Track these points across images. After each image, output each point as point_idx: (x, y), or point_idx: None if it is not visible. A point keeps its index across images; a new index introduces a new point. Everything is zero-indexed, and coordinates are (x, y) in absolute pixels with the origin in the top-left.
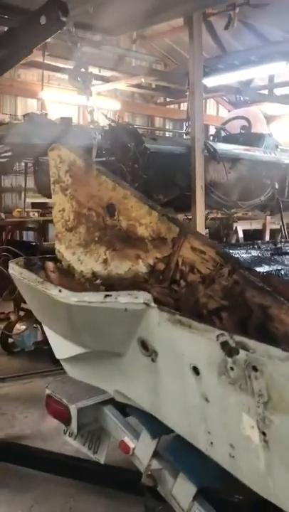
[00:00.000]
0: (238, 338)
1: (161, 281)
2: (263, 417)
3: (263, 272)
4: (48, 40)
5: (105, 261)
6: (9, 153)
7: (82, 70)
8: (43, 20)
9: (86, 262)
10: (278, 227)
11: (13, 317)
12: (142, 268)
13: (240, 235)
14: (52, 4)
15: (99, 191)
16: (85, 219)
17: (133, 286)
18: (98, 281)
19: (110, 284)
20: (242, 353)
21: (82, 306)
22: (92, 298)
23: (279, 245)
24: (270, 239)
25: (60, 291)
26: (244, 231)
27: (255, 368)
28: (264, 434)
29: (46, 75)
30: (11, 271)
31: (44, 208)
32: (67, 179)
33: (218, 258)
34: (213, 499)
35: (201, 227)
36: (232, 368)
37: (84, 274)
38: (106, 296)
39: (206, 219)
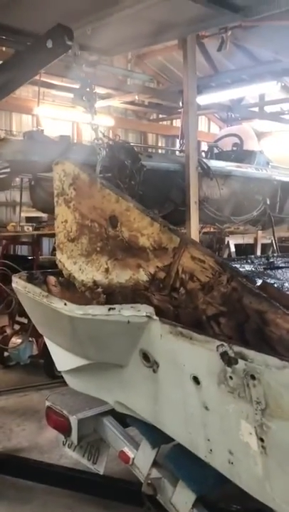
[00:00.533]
0: (237, 348)
1: (162, 289)
2: (261, 423)
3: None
4: None
5: (107, 270)
6: (8, 170)
7: (87, 89)
8: (49, 44)
9: (87, 272)
10: (269, 241)
11: (8, 331)
12: (142, 277)
13: (232, 249)
14: (58, 29)
15: (102, 204)
16: (87, 230)
17: (134, 294)
18: (99, 290)
19: (111, 293)
20: (241, 363)
21: (87, 319)
22: (97, 311)
23: (271, 260)
24: (262, 253)
25: (65, 304)
26: (236, 245)
27: (253, 377)
28: (262, 440)
29: (41, 91)
30: (14, 285)
31: (38, 222)
32: (71, 192)
33: (216, 267)
34: (211, 508)
35: None
36: (231, 377)
37: (85, 283)
38: (110, 309)
39: (199, 233)
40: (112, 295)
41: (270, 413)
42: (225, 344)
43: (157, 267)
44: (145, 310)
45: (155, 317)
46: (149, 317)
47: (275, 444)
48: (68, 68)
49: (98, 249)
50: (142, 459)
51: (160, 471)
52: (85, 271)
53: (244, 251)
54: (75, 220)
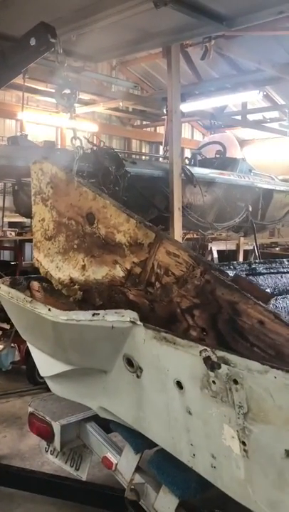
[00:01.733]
0: (220, 353)
1: (138, 284)
2: (243, 427)
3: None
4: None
5: (83, 267)
6: None
7: (67, 90)
8: (32, 42)
9: (64, 269)
10: (251, 247)
11: None
12: (119, 272)
13: (215, 255)
14: (41, 27)
15: (79, 201)
16: (64, 228)
17: (110, 290)
18: (76, 287)
19: (87, 289)
20: (223, 367)
21: (70, 324)
22: (80, 316)
23: (253, 266)
24: (244, 259)
25: (49, 309)
26: (218, 251)
27: (235, 381)
28: (244, 443)
29: (25, 96)
30: None
31: (21, 227)
32: (48, 190)
33: (190, 261)
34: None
35: None
36: (214, 382)
37: (61, 280)
38: (94, 314)
39: (183, 239)
40: (88, 292)
41: (252, 417)
42: (208, 349)
43: (133, 262)
44: (129, 315)
45: (139, 322)
46: (133, 322)
47: (257, 447)
48: (52, 73)
49: (75, 246)
50: (125, 464)
51: (143, 476)
52: (62, 269)
53: (227, 257)
54: (52, 218)
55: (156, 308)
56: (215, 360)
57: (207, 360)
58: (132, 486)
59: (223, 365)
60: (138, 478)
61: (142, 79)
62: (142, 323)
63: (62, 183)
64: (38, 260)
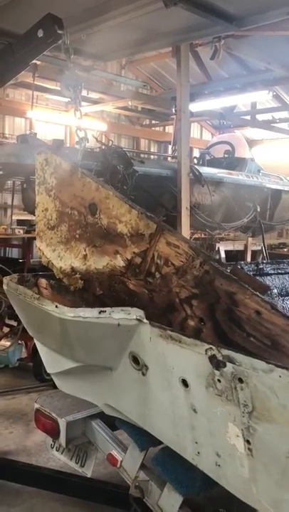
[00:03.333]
0: (226, 351)
1: (138, 274)
2: (248, 426)
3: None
4: (38, 62)
5: (85, 257)
6: (1, 173)
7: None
8: (40, 34)
9: (66, 259)
10: (259, 248)
11: None
12: (119, 262)
13: (222, 255)
14: (48, 19)
15: (82, 192)
16: (67, 218)
17: (110, 280)
18: (77, 276)
19: (88, 279)
20: (229, 366)
21: (77, 321)
22: (87, 313)
23: (261, 266)
24: (252, 260)
25: (56, 306)
26: (226, 251)
27: (240, 380)
28: (248, 442)
29: (35, 95)
30: (5, 287)
31: (29, 225)
32: (52, 181)
33: (190, 251)
34: (198, 510)
35: None
36: (219, 380)
37: (63, 269)
38: (100, 311)
39: (190, 239)
40: (89, 281)
41: (256, 416)
42: (213, 347)
43: (134, 252)
44: (135, 313)
45: (145, 320)
46: (139, 320)
47: (261, 446)
48: (62, 72)
49: (77, 236)
50: (130, 461)
51: (148, 473)
52: (64, 258)
53: (234, 257)
54: (55, 208)
55: (155, 298)
56: (220, 358)
57: (212, 358)
58: (137, 483)
59: (228, 364)
60: (143, 476)
61: (152, 78)
62: (148, 321)
63: (66, 173)
64: (40, 249)
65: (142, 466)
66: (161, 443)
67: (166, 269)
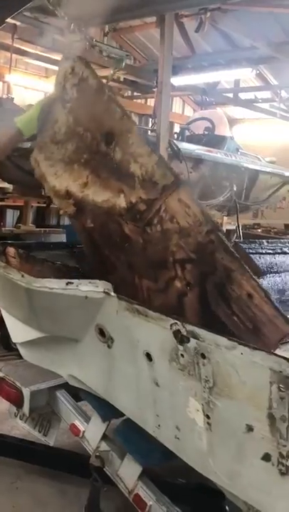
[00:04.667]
0: (190, 327)
1: (137, 220)
2: (208, 401)
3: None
4: (18, 23)
5: (85, 184)
6: None
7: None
8: None
9: (63, 179)
10: (234, 227)
11: None
12: (121, 202)
13: None
14: None
15: (103, 116)
16: (77, 138)
17: (106, 217)
18: (71, 201)
19: (81, 208)
20: (192, 341)
21: (43, 292)
22: (54, 284)
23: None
24: (226, 239)
25: (22, 276)
26: None
27: (203, 356)
28: (208, 417)
29: (14, 58)
30: None
31: (3, 193)
32: (73, 93)
33: (200, 216)
34: (158, 481)
35: None
36: (182, 355)
37: (57, 189)
38: (68, 283)
39: None
40: (82, 210)
41: (217, 391)
42: (178, 323)
43: (140, 197)
44: (103, 286)
45: (113, 293)
46: (106, 293)
47: (220, 421)
48: (42, 34)
49: (82, 161)
50: (92, 432)
51: (109, 444)
52: (61, 177)
53: None
54: (67, 123)
55: (148, 249)
56: (184, 333)
57: (177, 333)
58: (98, 453)
59: (192, 339)
60: (104, 446)
61: (136, 49)
62: (115, 295)
63: (91, 90)
64: (36, 160)
65: (104, 437)
66: (123, 415)
67: (170, 226)
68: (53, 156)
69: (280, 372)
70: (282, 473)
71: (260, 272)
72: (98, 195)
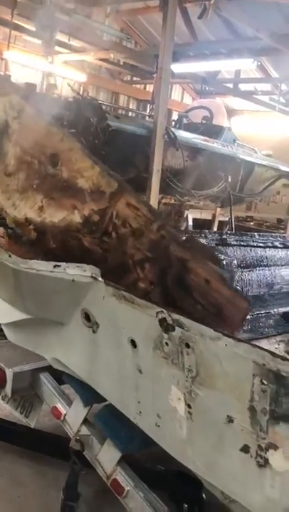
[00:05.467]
0: (176, 316)
1: (94, 232)
2: (190, 390)
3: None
4: None
5: (41, 208)
6: None
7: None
8: None
9: (21, 208)
10: (227, 219)
11: None
12: (76, 218)
13: (190, 222)
14: None
15: (45, 140)
16: (26, 166)
17: (65, 235)
18: (31, 227)
19: (42, 232)
20: (177, 330)
21: (30, 273)
22: (41, 266)
23: (224, 237)
24: (218, 230)
25: (9, 256)
26: (194, 219)
27: (187, 345)
28: (189, 406)
29: (13, 35)
30: None
31: None
32: (15, 125)
33: (149, 215)
34: (136, 467)
35: None
36: (167, 343)
37: (17, 219)
38: (55, 266)
39: (159, 203)
40: (43, 234)
41: (199, 381)
42: (164, 311)
43: (92, 209)
44: (91, 271)
45: (100, 278)
46: (94, 278)
47: (201, 410)
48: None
49: (34, 186)
50: (74, 415)
51: (89, 428)
52: (18, 207)
53: (202, 226)
54: (15, 154)
55: (109, 258)
56: (170, 322)
57: (162, 321)
58: (78, 437)
59: (177, 328)
60: (84, 430)
61: (138, 33)
62: (102, 280)
63: (30, 119)
64: None
65: (85, 421)
66: (105, 400)
67: (124, 230)
68: (8, 188)
69: (263, 365)
70: (259, 465)
71: (218, 261)
72: (54, 216)
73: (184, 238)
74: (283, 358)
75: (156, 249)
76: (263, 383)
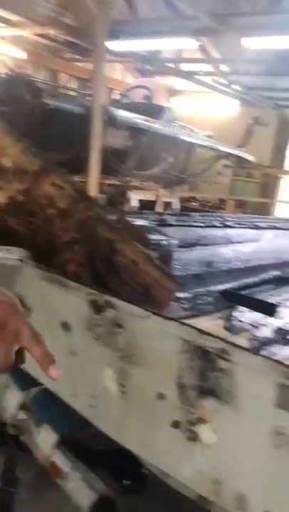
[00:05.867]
0: (107, 297)
1: (20, 212)
2: (123, 370)
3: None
4: None
5: None
6: None
7: None
8: None
9: None
10: (170, 200)
11: None
12: (2, 198)
13: (134, 204)
14: None
15: None
16: None
17: None
18: None
19: None
20: (109, 311)
21: None
22: None
23: (164, 217)
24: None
25: None
26: (139, 201)
27: (119, 325)
28: (123, 385)
29: None
30: None
31: None
32: None
33: (75, 195)
34: (76, 448)
35: (93, 191)
36: (99, 325)
37: None
38: None
39: (104, 184)
40: None
41: (132, 361)
42: (96, 293)
43: (17, 190)
44: (19, 254)
45: (30, 261)
46: (22, 261)
47: (134, 390)
48: None
49: None
50: (10, 400)
51: (26, 413)
52: None
53: (147, 207)
54: None
55: (36, 239)
56: (102, 303)
57: (94, 303)
58: (14, 422)
59: (108, 309)
60: (21, 415)
61: (77, 8)
62: (32, 263)
63: None
64: None
65: (21, 406)
66: (41, 384)
67: (50, 211)
68: None
69: (191, 341)
70: (190, 439)
71: (147, 242)
72: None
73: (114, 219)
74: (210, 335)
75: (83, 230)
76: (190, 360)
